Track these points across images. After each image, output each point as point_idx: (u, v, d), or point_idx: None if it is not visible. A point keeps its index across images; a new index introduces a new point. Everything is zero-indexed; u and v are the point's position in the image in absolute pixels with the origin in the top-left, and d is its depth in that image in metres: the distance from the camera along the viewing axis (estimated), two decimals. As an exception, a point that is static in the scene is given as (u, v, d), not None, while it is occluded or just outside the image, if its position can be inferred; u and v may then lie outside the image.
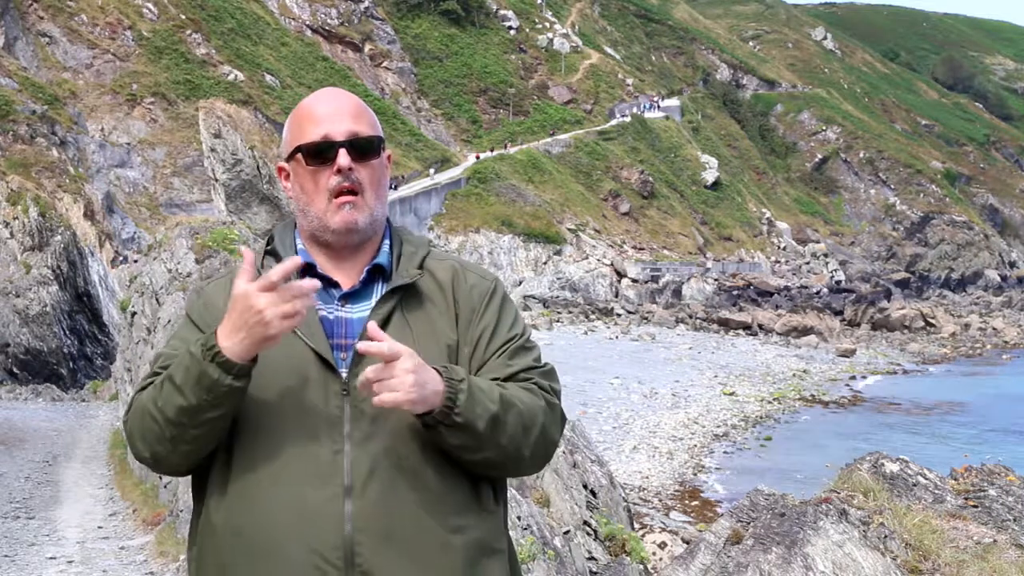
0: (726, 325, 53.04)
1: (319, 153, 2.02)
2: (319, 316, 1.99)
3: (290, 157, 2.08)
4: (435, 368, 1.88)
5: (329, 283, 2.04)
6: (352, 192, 2.02)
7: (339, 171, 2.01)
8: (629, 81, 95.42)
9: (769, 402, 28.52)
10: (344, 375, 1.94)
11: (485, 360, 2.03)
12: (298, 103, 2.14)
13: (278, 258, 2.05)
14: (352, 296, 2.03)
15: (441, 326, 2.03)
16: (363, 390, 1.84)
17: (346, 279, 2.05)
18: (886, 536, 4.48)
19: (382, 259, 2.07)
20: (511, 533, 2.30)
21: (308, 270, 2.03)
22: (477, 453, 1.91)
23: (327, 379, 1.94)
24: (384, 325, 1.96)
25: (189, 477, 2.06)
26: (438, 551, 1.91)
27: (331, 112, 2.04)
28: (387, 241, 2.11)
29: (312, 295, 1.86)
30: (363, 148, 2.04)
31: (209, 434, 1.90)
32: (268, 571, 1.88)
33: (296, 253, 2.06)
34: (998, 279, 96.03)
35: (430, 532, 1.91)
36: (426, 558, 1.89)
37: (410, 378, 1.81)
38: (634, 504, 12.53)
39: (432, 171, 66.29)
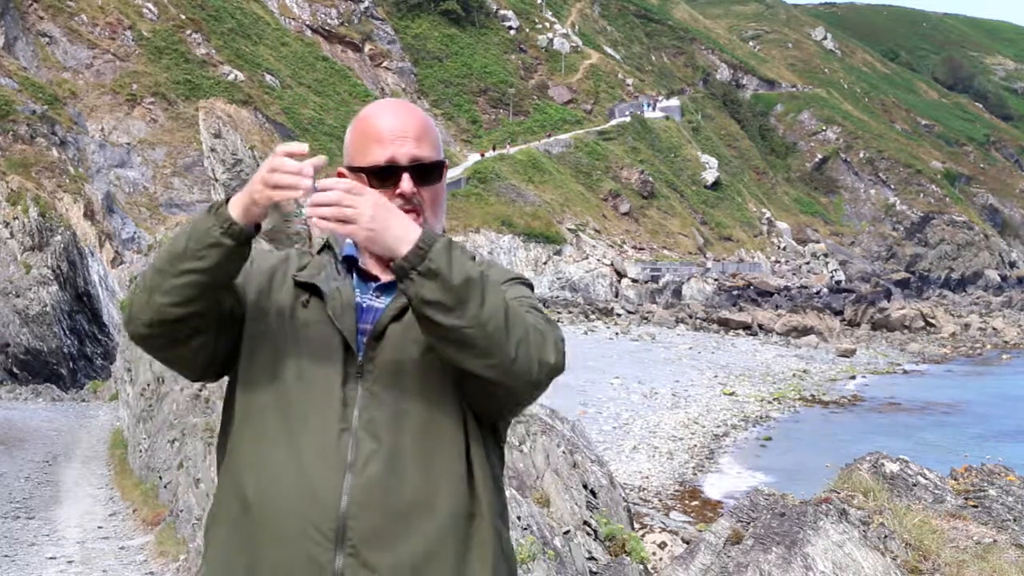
0: (726, 325, 53.03)
1: (383, 177, 2.08)
2: (355, 303, 2.08)
3: (352, 168, 2.15)
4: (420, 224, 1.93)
5: (368, 276, 2.14)
6: (414, 213, 2.08)
7: (401, 195, 2.07)
8: (629, 81, 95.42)
9: (769, 402, 28.52)
10: (360, 358, 2.02)
11: None
12: (363, 109, 2.18)
13: (333, 252, 2.17)
14: (387, 288, 2.11)
15: None
16: (312, 213, 1.87)
17: (385, 274, 2.13)
18: (886, 536, 4.48)
19: None
20: (511, 533, 2.30)
21: (350, 263, 2.14)
22: (453, 316, 1.85)
23: (347, 360, 2.02)
24: (401, 314, 2.04)
25: (207, 457, 2.12)
26: (430, 534, 1.95)
27: (397, 132, 2.08)
28: None
29: (306, 178, 1.89)
30: (426, 173, 2.10)
31: (182, 291, 1.95)
32: (265, 536, 1.95)
33: (345, 248, 2.17)
34: (998, 279, 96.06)
35: (424, 515, 1.95)
36: (417, 539, 1.94)
37: (368, 211, 1.85)
38: (634, 504, 12.53)
39: None
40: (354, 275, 2.13)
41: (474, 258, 2.01)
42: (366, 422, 1.97)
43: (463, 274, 1.86)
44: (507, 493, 2.14)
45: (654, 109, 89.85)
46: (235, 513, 2.01)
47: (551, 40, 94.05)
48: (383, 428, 1.97)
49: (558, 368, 1.99)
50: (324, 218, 1.85)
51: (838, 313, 58.60)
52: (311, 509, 1.92)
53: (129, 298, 2.07)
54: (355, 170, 2.12)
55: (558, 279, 62.01)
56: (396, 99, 2.21)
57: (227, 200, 1.96)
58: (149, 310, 1.98)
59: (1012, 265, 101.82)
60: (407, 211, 2.07)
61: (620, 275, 63.68)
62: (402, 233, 1.86)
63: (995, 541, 4.75)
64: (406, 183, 2.06)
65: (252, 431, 2.03)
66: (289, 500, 1.94)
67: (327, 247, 2.19)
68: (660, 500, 16.87)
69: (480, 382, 1.94)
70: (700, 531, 9.76)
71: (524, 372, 1.92)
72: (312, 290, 2.09)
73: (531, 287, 2.19)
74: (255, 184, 1.91)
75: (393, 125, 2.09)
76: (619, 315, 54.69)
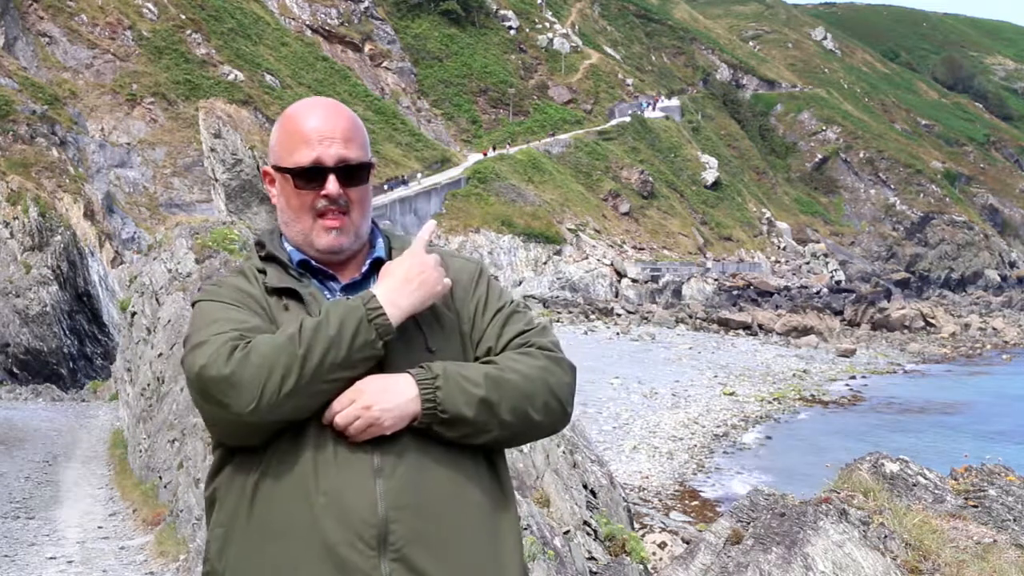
0: (726, 325, 53.03)
1: (309, 178, 2.04)
2: None
3: (278, 168, 2.10)
4: (408, 372, 1.94)
5: (326, 276, 2.10)
6: (339, 213, 2.05)
7: (327, 196, 2.04)
8: (629, 81, 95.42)
9: (769, 402, 28.52)
10: None
11: (483, 331, 2.10)
12: (289, 108, 2.13)
13: (278, 262, 2.09)
14: (353, 287, 2.08)
15: (439, 307, 2.08)
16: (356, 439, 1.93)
17: (342, 272, 2.11)
18: (886, 536, 4.48)
19: (381, 252, 2.13)
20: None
21: (304, 265, 2.09)
22: (481, 436, 1.96)
23: None
24: None
25: (203, 470, 2.07)
26: (466, 529, 1.95)
27: (323, 132, 2.05)
28: (380, 239, 2.17)
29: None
30: (353, 174, 2.07)
31: (329, 393, 1.92)
32: (302, 554, 1.91)
33: (288, 254, 2.11)
34: (998, 279, 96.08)
35: (458, 511, 1.95)
36: (456, 536, 1.94)
37: (375, 410, 1.90)
38: (634, 504, 12.53)
39: (419, 175, 65.83)
40: (311, 278, 2.09)
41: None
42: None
43: (474, 402, 1.93)
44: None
45: (654, 109, 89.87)
46: (259, 538, 1.95)
47: (551, 40, 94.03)
48: (405, 434, 1.94)
49: (572, 400, 2.10)
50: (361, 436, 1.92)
51: (838, 313, 58.60)
52: (349, 519, 1.89)
53: (256, 390, 1.88)
54: (281, 170, 2.08)
55: (558, 279, 62.00)
56: (324, 98, 2.16)
57: (378, 307, 1.92)
58: (288, 410, 1.90)
59: (1012, 265, 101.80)
60: (333, 211, 2.05)
61: (620, 275, 63.68)
62: (404, 397, 1.92)
63: (995, 541, 4.75)
64: (332, 184, 2.03)
65: (268, 446, 1.96)
66: (324, 514, 1.90)
67: (269, 258, 2.12)
68: (660, 500, 16.87)
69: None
70: (700, 531, 9.77)
71: (554, 422, 2.06)
72: (288, 294, 2.04)
73: (515, 301, 2.19)
74: (421, 297, 1.95)
75: (320, 126, 2.05)
76: (619, 315, 54.69)
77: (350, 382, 1.92)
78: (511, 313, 2.11)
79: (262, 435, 1.94)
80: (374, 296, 1.92)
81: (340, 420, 1.90)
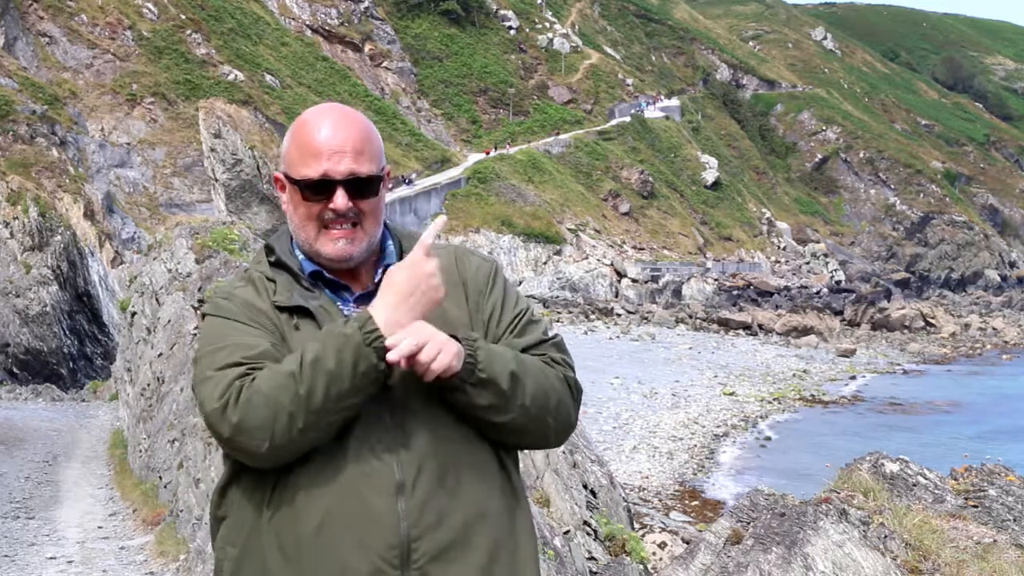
0: (726, 325, 53.04)
1: (317, 191, 2.01)
2: (345, 317, 2.02)
3: (288, 178, 2.08)
4: (450, 335, 1.92)
5: (338, 287, 2.07)
6: (349, 225, 2.03)
7: (334, 210, 2.01)
8: (629, 81, 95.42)
9: (769, 402, 28.52)
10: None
11: (498, 337, 2.08)
12: (303, 114, 2.10)
13: (286, 269, 2.06)
14: (366, 297, 2.04)
15: (451, 310, 2.05)
16: (403, 364, 1.88)
17: (354, 281, 2.08)
18: (886, 536, 4.48)
19: (391, 260, 2.09)
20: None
21: (316, 277, 2.06)
22: (505, 413, 1.94)
23: None
24: None
25: (206, 482, 2.06)
26: (489, 538, 1.95)
27: (334, 145, 2.00)
28: (390, 241, 2.13)
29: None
30: (364, 187, 2.03)
31: (342, 421, 1.90)
32: (320, 571, 1.89)
33: (300, 263, 2.07)
34: (998, 279, 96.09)
35: (480, 522, 1.95)
36: (479, 546, 1.94)
37: (433, 347, 1.87)
38: (634, 504, 12.53)
39: (414, 176, 65.75)
40: (323, 289, 2.06)
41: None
42: (403, 440, 1.93)
43: (507, 372, 1.93)
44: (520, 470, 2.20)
45: (653, 107, 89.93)
46: (276, 558, 1.92)
47: (551, 40, 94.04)
48: (423, 442, 1.93)
49: (577, 416, 2.13)
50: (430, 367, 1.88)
51: (838, 313, 58.60)
52: (370, 538, 1.88)
53: (265, 434, 1.86)
54: (291, 180, 2.05)
55: (558, 279, 62.01)
56: (337, 106, 2.10)
57: (374, 329, 1.87)
58: (302, 445, 1.88)
59: (1012, 265, 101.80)
60: (339, 223, 2.01)
61: (620, 275, 63.69)
62: (453, 348, 1.90)
63: (995, 541, 4.75)
64: (340, 198, 1.99)
65: (283, 469, 1.93)
66: (345, 530, 1.88)
67: (278, 264, 2.08)
68: (660, 500, 16.87)
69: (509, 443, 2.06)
70: (700, 531, 9.77)
71: (560, 433, 2.07)
72: (299, 312, 2.00)
73: (531, 309, 2.19)
74: (421, 311, 1.90)
75: (331, 138, 2.00)
76: (619, 315, 54.69)
77: (361, 403, 1.90)
78: (528, 322, 2.11)
79: (286, 461, 1.92)
80: (371, 318, 1.87)
81: (404, 356, 1.88)
